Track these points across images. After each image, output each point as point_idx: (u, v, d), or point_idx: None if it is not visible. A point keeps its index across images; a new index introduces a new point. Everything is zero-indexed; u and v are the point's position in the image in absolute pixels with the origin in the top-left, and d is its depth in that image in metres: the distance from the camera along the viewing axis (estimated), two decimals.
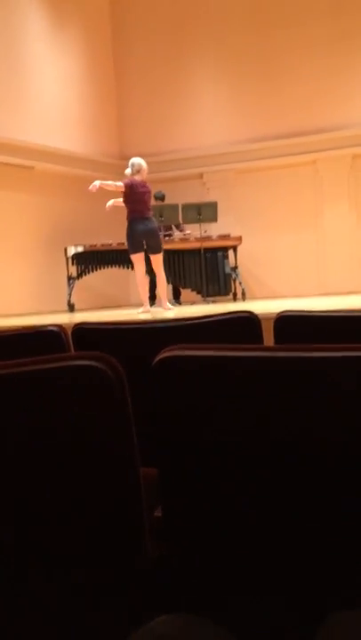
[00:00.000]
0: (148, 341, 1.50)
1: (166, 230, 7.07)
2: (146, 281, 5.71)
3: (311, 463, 0.79)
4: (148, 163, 8.90)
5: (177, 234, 7.09)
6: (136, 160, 5.47)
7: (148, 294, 5.79)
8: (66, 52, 7.77)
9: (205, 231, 6.92)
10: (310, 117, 7.62)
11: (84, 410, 0.81)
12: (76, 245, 6.87)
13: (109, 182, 5.46)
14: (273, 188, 7.85)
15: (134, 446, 0.82)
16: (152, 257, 5.46)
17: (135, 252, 5.39)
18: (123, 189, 5.33)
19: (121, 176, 8.49)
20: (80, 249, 6.85)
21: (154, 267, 5.54)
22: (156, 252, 5.43)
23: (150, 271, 5.77)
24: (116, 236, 7.56)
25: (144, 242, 5.39)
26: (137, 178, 5.37)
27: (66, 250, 6.86)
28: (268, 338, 1.54)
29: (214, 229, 7.20)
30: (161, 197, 7.17)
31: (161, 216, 6.77)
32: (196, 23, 8.12)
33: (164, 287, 5.65)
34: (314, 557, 0.83)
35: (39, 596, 0.86)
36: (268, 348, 0.80)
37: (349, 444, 0.77)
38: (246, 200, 7.95)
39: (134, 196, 5.31)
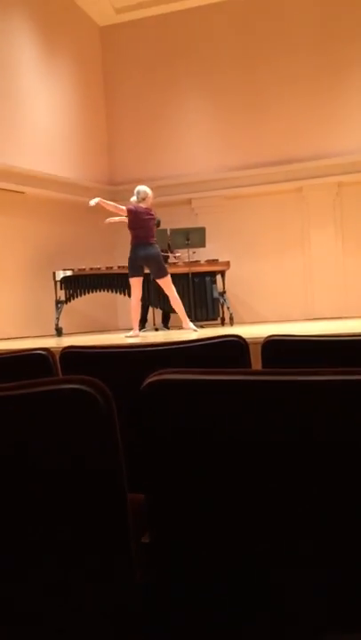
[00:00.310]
0: (137, 365, 1.50)
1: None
2: (138, 306, 5.74)
3: (300, 487, 0.79)
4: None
5: (172, 257, 7.15)
6: (142, 188, 5.60)
7: (138, 319, 5.79)
8: (57, 80, 7.90)
9: (194, 252, 6.97)
10: (296, 146, 7.78)
11: (71, 434, 0.81)
12: (64, 269, 6.88)
13: (111, 203, 5.56)
14: (260, 214, 7.96)
15: (122, 471, 0.82)
16: (159, 282, 5.56)
17: (133, 275, 5.49)
18: (125, 213, 5.47)
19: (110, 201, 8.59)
20: (69, 273, 6.87)
21: (165, 290, 5.63)
22: (161, 276, 5.51)
23: (144, 298, 5.85)
24: (105, 261, 7.60)
25: (145, 267, 5.50)
26: (142, 205, 5.51)
27: (54, 274, 6.87)
28: (256, 362, 1.55)
29: (203, 254, 7.27)
30: (157, 223, 7.28)
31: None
32: (185, 54, 8.31)
33: (181, 308, 5.68)
34: (304, 586, 0.82)
35: (24, 632, 0.85)
36: (256, 372, 0.80)
37: (337, 466, 0.77)
38: (234, 226, 8.05)
39: (138, 222, 5.44)
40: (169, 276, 5.58)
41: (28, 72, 7.43)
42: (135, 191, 5.59)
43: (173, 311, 7.00)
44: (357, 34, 7.65)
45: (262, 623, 0.85)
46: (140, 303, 5.75)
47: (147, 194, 5.53)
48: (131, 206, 5.49)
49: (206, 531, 0.84)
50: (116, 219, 5.82)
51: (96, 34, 8.70)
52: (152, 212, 5.54)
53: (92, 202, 5.57)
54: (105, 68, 8.75)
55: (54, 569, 0.85)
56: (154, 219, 5.56)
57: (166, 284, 5.55)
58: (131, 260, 5.48)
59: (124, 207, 5.47)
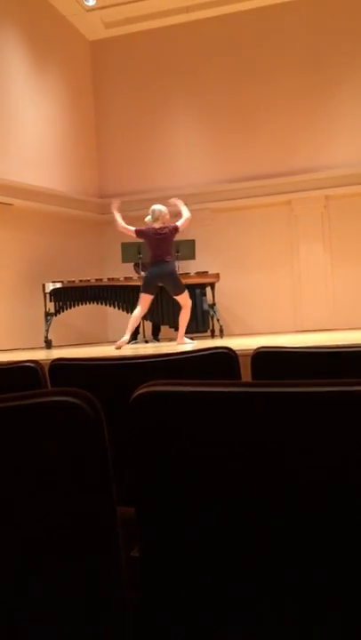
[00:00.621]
0: (126, 377, 1.50)
1: None
2: (139, 320, 5.77)
3: (294, 498, 0.79)
4: (126, 201, 9.05)
5: None
6: (156, 207, 5.65)
7: (133, 330, 5.79)
8: (47, 94, 7.94)
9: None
10: (285, 159, 7.86)
11: (59, 446, 0.80)
12: (53, 281, 6.87)
13: (122, 223, 5.65)
14: (249, 226, 8.02)
15: (111, 484, 0.81)
16: (177, 298, 5.62)
17: (144, 292, 5.56)
18: (133, 234, 5.59)
19: (97, 215, 8.62)
20: (58, 285, 6.86)
21: (182, 304, 5.67)
22: (178, 293, 5.57)
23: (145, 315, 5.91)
24: (95, 273, 7.60)
25: (159, 284, 5.58)
26: (156, 225, 5.56)
27: (44, 286, 6.85)
28: (246, 374, 1.55)
29: (192, 267, 7.29)
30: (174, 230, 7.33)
31: (139, 253, 6.84)
32: (175, 68, 8.40)
33: (185, 323, 5.72)
34: (298, 599, 0.82)
35: None
36: (246, 384, 0.80)
37: (326, 477, 0.77)
38: (224, 238, 8.10)
39: (149, 241, 5.55)
40: (186, 292, 5.62)
41: (17, 86, 7.47)
42: (150, 210, 5.66)
43: (163, 323, 7.03)
44: (345, 51, 7.79)
45: (256, 637, 0.84)
46: (140, 318, 5.77)
47: (160, 212, 5.58)
48: (139, 228, 5.59)
49: (197, 544, 0.84)
50: (126, 230, 5.77)
51: (86, 48, 8.77)
52: (164, 231, 5.54)
53: (115, 212, 5.69)
54: (95, 83, 8.81)
55: (40, 584, 0.84)
56: (168, 236, 5.56)
57: (183, 300, 5.62)
58: (145, 277, 5.62)
59: (132, 228, 5.58)
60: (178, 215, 5.72)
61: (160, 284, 5.59)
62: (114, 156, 8.66)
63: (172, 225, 5.56)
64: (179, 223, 5.60)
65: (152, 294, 5.58)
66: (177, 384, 0.80)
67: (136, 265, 7.15)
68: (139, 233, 5.56)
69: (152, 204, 8.45)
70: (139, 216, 8.10)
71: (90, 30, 8.59)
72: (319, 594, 0.80)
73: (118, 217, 5.67)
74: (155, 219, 5.59)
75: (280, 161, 7.87)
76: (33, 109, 7.66)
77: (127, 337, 5.62)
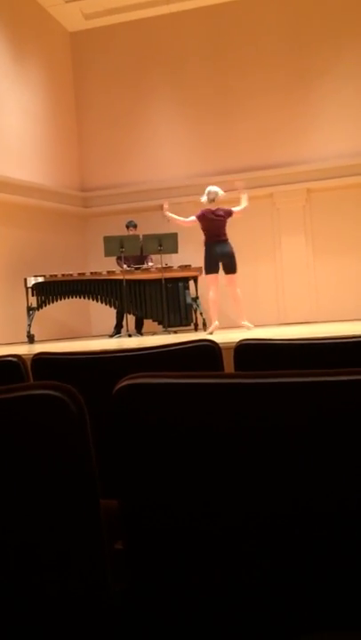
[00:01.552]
0: (110, 371, 1.50)
1: (139, 263, 7.14)
2: (218, 302, 5.96)
3: (277, 488, 0.80)
4: (108, 195, 8.99)
5: (151, 264, 7.17)
6: (211, 188, 5.95)
7: (216, 315, 5.96)
8: (27, 86, 7.84)
9: (166, 264, 7.00)
10: (267, 153, 7.87)
11: (42, 440, 0.80)
12: (35, 276, 6.81)
13: (179, 218, 6.00)
14: (231, 220, 8.02)
15: (94, 477, 0.81)
16: (228, 277, 5.87)
17: (209, 272, 5.86)
18: (194, 223, 5.90)
19: (80, 208, 8.57)
20: (40, 279, 6.80)
21: (229, 286, 5.91)
22: (232, 271, 5.85)
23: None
24: (77, 267, 7.55)
25: (220, 264, 5.84)
26: (212, 207, 5.87)
27: (25, 280, 6.79)
28: (229, 366, 1.56)
29: (175, 260, 7.28)
30: (134, 226, 7.35)
31: (122, 247, 6.82)
32: (156, 61, 8.35)
33: (242, 305, 5.97)
34: (278, 586, 0.83)
35: None
36: (228, 375, 0.81)
37: (310, 466, 0.78)
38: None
39: (207, 223, 5.83)
40: (237, 273, 5.90)
41: None
42: (206, 191, 5.94)
43: (147, 317, 7.02)
44: (327, 44, 7.81)
45: (240, 627, 0.85)
46: (217, 300, 5.95)
47: (215, 194, 5.88)
48: (198, 213, 5.88)
49: (181, 535, 0.84)
50: (182, 221, 6.05)
51: (66, 40, 8.68)
52: (220, 213, 5.84)
53: (169, 214, 6.08)
54: (75, 74, 8.72)
55: (23, 577, 0.84)
56: (224, 217, 5.85)
57: (234, 280, 5.89)
58: (207, 258, 5.84)
59: (192, 218, 5.92)
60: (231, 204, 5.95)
61: (220, 263, 5.82)
62: (96, 148, 8.59)
63: (228, 208, 5.86)
64: (235, 209, 5.89)
65: (217, 272, 5.84)
66: (159, 376, 0.80)
67: (119, 258, 7.12)
68: (199, 218, 5.86)
69: (134, 197, 8.44)
70: (121, 210, 8.10)
71: (69, 21, 8.49)
72: (307, 584, 0.81)
73: (174, 216, 5.98)
74: (210, 200, 5.87)
75: (262, 154, 7.88)
76: (12, 102, 7.56)
77: (216, 322, 5.84)
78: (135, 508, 0.85)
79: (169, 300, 6.80)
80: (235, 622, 0.84)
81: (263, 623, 0.82)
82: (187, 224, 6.02)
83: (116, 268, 7.06)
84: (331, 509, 0.79)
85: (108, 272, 6.92)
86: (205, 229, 5.87)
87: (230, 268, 5.85)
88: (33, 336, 6.67)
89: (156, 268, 6.92)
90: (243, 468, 0.79)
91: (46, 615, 0.84)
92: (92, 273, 6.98)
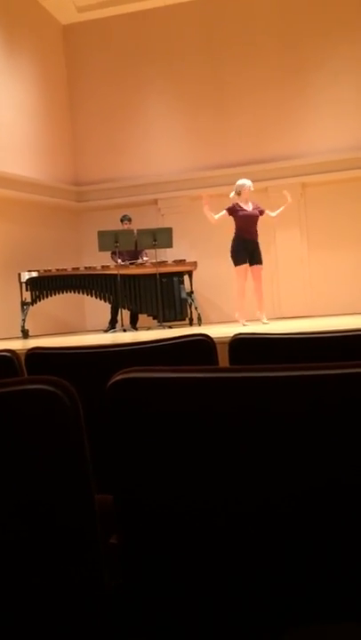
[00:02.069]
0: (104, 366, 1.49)
1: (134, 257, 7.12)
2: (244, 293, 6.04)
3: (269, 482, 0.80)
4: (102, 189, 8.94)
5: (145, 259, 7.15)
6: (239, 182, 6.06)
7: (243, 306, 6.05)
8: (19, 79, 7.79)
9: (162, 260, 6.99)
10: (262, 147, 7.85)
11: (36, 434, 0.80)
12: (29, 270, 6.78)
13: (212, 216, 6.05)
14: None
15: (88, 472, 0.81)
16: (254, 268, 5.99)
17: (238, 264, 5.93)
18: (227, 217, 6.00)
19: (74, 203, 8.53)
20: (34, 274, 6.77)
21: (254, 278, 6.02)
22: (259, 262, 5.97)
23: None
24: (72, 261, 7.53)
25: (248, 256, 5.93)
26: (240, 201, 5.99)
27: (20, 275, 6.76)
28: (224, 361, 1.55)
29: (170, 255, 7.26)
30: (128, 220, 7.33)
31: (116, 242, 6.79)
32: (150, 54, 8.30)
33: (263, 299, 6.07)
34: (271, 579, 0.83)
35: None
36: (221, 369, 0.81)
37: (305, 459, 0.78)
38: (201, 226, 8.06)
39: (236, 217, 5.94)
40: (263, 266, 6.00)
41: None
42: (235, 185, 6.05)
43: (141, 311, 7.01)
44: (322, 38, 7.78)
45: (235, 622, 0.85)
46: (245, 291, 6.04)
47: (242, 187, 5.99)
48: (230, 206, 5.98)
49: (176, 530, 0.84)
50: (218, 217, 6.11)
51: (59, 33, 8.61)
52: (248, 209, 5.96)
53: (207, 211, 6.07)
54: (69, 67, 8.66)
55: (19, 572, 0.84)
56: (252, 214, 5.97)
57: (260, 273, 6.00)
58: (235, 250, 5.94)
59: (223, 212, 5.98)
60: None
61: (248, 255, 5.93)
62: (89, 142, 8.55)
63: (261, 207, 6.03)
64: (270, 213, 6.07)
65: (246, 264, 5.95)
66: (152, 370, 0.80)
67: (113, 253, 7.10)
68: (230, 211, 5.96)
69: (128, 192, 8.41)
70: (115, 204, 8.07)
71: (62, 14, 8.42)
72: (301, 578, 0.82)
73: (211, 214, 6.00)
74: (237, 192, 6.00)
75: (257, 148, 7.86)
76: (5, 95, 7.50)
77: (242, 311, 5.95)
78: (129, 502, 0.84)
79: (164, 295, 6.79)
80: (229, 618, 0.84)
81: (256, 617, 0.82)
82: (219, 221, 6.08)
83: (111, 263, 7.04)
84: (328, 503, 0.79)
85: (103, 267, 6.91)
86: (236, 221, 5.97)
87: (257, 260, 5.98)
88: (27, 331, 6.65)
89: (151, 263, 6.90)
90: (237, 461, 0.79)
91: (41, 610, 0.84)
92: (86, 268, 6.96)
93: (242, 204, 5.96)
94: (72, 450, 0.80)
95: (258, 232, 6.03)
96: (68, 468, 0.80)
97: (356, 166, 7.51)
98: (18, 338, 6.59)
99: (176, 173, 8.12)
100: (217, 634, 0.85)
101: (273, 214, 6.15)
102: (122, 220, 7.37)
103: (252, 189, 6.02)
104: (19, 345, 5.15)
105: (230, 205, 5.97)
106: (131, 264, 6.97)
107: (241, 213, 5.93)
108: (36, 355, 1.60)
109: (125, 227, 7.27)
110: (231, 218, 6.02)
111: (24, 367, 1.58)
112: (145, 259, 7.16)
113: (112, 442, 0.82)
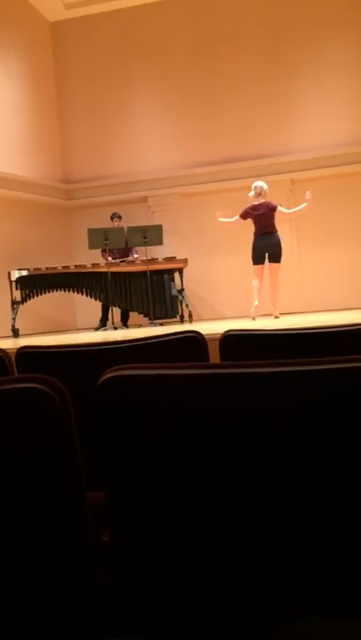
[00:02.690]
0: (94, 364, 1.49)
1: (124, 255, 7.11)
2: (261, 290, 6.19)
3: (261, 477, 0.80)
4: (91, 187, 8.91)
5: (136, 256, 7.13)
6: (257, 183, 6.33)
7: (256, 299, 6.16)
8: (7, 76, 7.74)
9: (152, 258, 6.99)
10: (251, 144, 7.86)
11: (27, 433, 0.79)
12: (19, 269, 6.75)
13: (227, 220, 6.36)
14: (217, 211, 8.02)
15: (80, 469, 0.81)
16: (271, 265, 6.19)
17: (256, 263, 6.18)
18: (243, 220, 6.27)
19: (63, 201, 8.49)
20: (24, 273, 6.74)
21: (271, 276, 6.22)
22: (276, 261, 6.17)
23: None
24: (62, 260, 7.50)
25: (266, 255, 6.15)
26: (256, 201, 6.24)
27: (9, 274, 6.73)
28: (215, 357, 1.56)
29: (160, 252, 7.26)
30: (118, 217, 7.32)
31: (106, 239, 6.78)
32: (139, 50, 8.28)
33: (277, 296, 6.24)
34: (264, 575, 0.83)
35: None
36: (212, 365, 0.81)
37: (296, 454, 0.78)
38: (191, 223, 8.07)
39: (252, 217, 6.21)
40: (281, 264, 6.19)
41: None
42: (252, 186, 6.30)
43: (132, 309, 7.00)
44: (311, 35, 7.79)
45: (230, 618, 0.85)
46: (260, 287, 6.20)
47: (261, 189, 6.26)
48: (241, 212, 6.25)
49: (168, 527, 0.84)
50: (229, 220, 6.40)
51: (46, 30, 8.56)
52: (260, 209, 6.15)
53: (223, 219, 6.40)
54: (57, 65, 8.62)
55: (10, 570, 0.83)
56: (269, 210, 6.18)
57: (276, 270, 6.21)
58: (254, 249, 6.20)
59: (237, 217, 6.27)
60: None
61: (266, 253, 6.14)
62: (78, 140, 8.51)
63: (273, 205, 6.20)
64: (284, 210, 6.24)
65: (263, 264, 6.16)
66: (143, 367, 0.80)
67: (103, 251, 7.09)
68: (243, 216, 6.24)
69: (118, 190, 8.37)
70: (105, 202, 8.04)
71: (50, 11, 8.37)
72: (294, 576, 0.82)
73: (227, 221, 6.30)
74: (256, 194, 6.25)
75: (246, 145, 7.87)
76: None
77: (257, 302, 6.07)
78: (121, 499, 0.85)
79: (154, 293, 6.78)
80: (223, 614, 0.84)
81: (249, 614, 0.83)
82: (234, 224, 6.36)
83: (101, 261, 7.02)
84: (320, 497, 0.79)
85: (93, 265, 6.89)
86: (254, 223, 6.22)
87: (275, 258, 6.15)
88: (18, 330, 6.62)
89: (141, 261, 6.89)
90: (229, 458, 0.80)
91: (33, 608, 0.84)
92: (76, 266, 6.94)
93: (255, 203, 6.22)
94: (63, 448, 0.80)
95: (275, 225, 6.22)
96: (58, 466, 0.80)
97: (345, 162, 7.54)
98: (8, 337, 6.56)
99: (166, 170, 8.11)
100: (211, 630, 0.86)
101: (287, 211, 6.34)
102: (112, 218, 7.35)
103: (266, 190, 6.30)
104: (9, 344, 5.12)
105: (242, 212, 6.25)
106: (121, 262, 6.96)
107: (254, 214, 6.20)
108: (26, 353, 1.60)
109: (115, 224, 7.26)
110: (234, 218, 6.32)
111: (14, 366, 1.57)
112: (135, 256, 7.15)
113: (103, 439, 0.82)
